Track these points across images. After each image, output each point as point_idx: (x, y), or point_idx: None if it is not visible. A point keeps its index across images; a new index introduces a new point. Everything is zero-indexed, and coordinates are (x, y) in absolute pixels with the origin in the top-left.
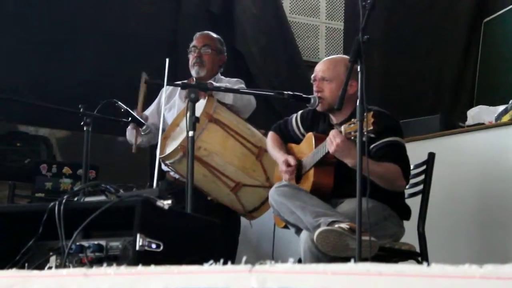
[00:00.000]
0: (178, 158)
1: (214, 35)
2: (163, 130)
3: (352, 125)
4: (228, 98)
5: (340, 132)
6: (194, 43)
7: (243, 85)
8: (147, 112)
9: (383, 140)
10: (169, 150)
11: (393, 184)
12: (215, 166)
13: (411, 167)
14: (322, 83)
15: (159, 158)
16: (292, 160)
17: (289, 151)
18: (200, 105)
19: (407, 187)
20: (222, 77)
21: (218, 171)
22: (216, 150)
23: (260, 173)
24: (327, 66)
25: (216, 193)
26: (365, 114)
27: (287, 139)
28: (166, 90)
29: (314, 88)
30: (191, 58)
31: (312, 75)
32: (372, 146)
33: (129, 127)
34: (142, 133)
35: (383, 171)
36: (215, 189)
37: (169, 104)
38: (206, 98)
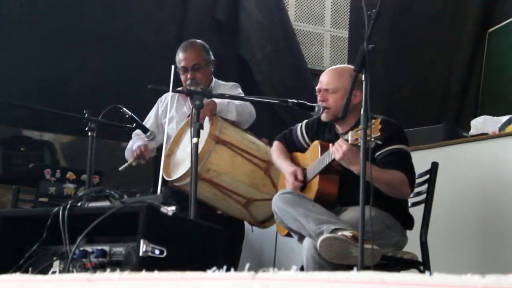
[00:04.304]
0: (187, 182)
1: (198, 46)
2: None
3: (359, 131)
4: (231, 115)
5: (347, 140)
6: (183, 63)
7: (239, 89)
8: (147, 125)
9: (388, 147)
10: (175, 174)
11: (398, 191)
12: (225, 186)
13: None
14: (327, 93)
15: (168, 180)
16: (300, 175)
17: (293, 160)
18: (205, 128)
19: (410, 195)
20: (218, 81)
21: (228, 190)
22: (226, 170)
23: (270, 186)
24: (332, 76)
25: (227, 209)
26: (373, 121)
27: (292, 148)
28: (164, 99)
29: (319, 98)
30: (184, 78)
31: (317, 86)
32: (377, 154)
33: (134, 146)
34: (147, 139)
35: (389, 178)
36: (226, 205)
37: (169, 115)
38: (211, 121)
